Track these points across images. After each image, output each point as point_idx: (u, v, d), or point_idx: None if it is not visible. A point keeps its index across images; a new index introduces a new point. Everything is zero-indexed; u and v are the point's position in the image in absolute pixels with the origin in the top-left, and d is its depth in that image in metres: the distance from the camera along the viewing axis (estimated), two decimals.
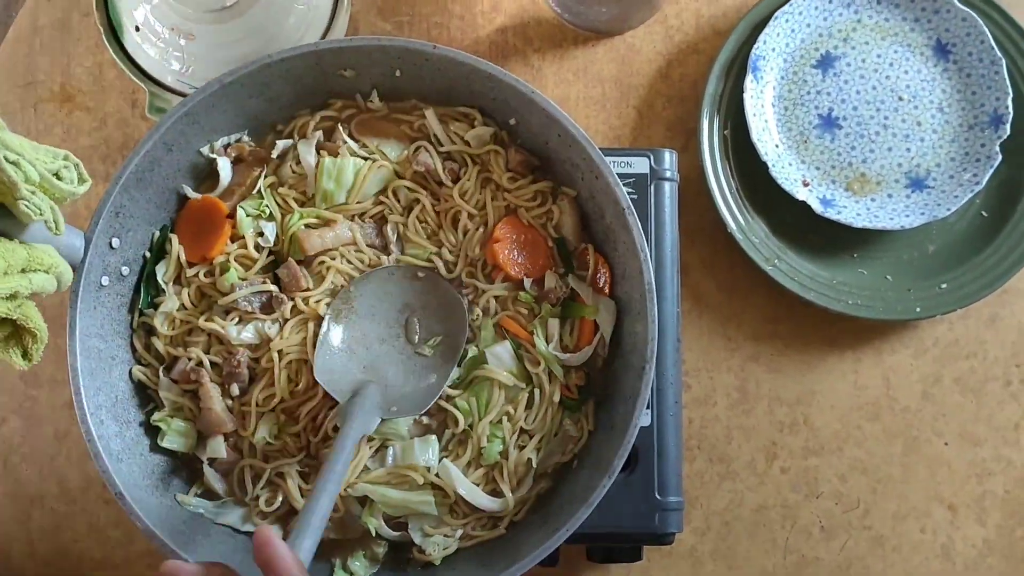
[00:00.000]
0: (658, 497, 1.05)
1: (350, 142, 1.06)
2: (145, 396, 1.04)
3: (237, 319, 1.02)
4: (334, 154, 1.05)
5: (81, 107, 1.24)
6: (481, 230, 1.05)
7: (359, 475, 1.01)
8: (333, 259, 1.04)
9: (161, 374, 1.02)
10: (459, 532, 1.01)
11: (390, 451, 1.02)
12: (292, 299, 1.03)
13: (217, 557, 0.95)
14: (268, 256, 1.04)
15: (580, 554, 1.14)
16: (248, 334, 1.02)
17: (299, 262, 1.04)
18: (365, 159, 1.05)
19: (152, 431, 1.03)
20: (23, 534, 1.19)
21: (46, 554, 1.19)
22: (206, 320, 1.02)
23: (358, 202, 1.05)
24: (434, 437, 1.02)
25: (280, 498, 1.02)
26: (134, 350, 1.03)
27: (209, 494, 1.03)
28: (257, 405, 1.02)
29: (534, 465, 1.01)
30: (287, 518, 1.03)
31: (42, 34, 1.25)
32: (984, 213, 1.19)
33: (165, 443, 1.01)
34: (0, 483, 1.19)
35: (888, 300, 1.17)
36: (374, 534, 1.01)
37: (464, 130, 1.05)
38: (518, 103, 1.00)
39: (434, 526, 1.01)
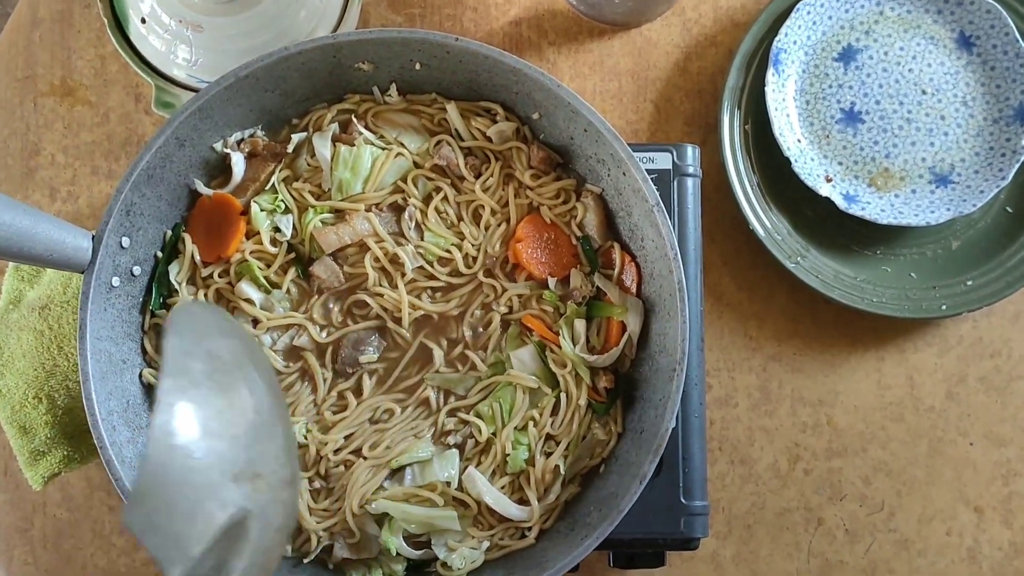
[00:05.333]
0: (683, 501, 1.02)
1: (366, 133, 1.03)
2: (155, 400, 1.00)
3: (266, 327, 1.00)
4: (350, 144, 1.02)
5: (83, 101, 1.20)
6: (503, 227, 1.02)
7: (376, 492, 0.98)
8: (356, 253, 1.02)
9: None
10: (486, 544, 0.98)
11: (408, 473, 0.99)
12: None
13: None
14: (288, 252, 1.01)
15: (600, 560, 1.12)
16: (285, 341, 1.01)
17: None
18: (383, 149, 1.02)
19: None
20: (25, 542, 1.15)
21: (48, 562, 1.15)
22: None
23: (375, 191, 1.02)
24: (454, 451, 0.99)
25: None
26: (144, 352, 1.00)
27: None
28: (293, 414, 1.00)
29: (562, 472, 0.98)
30: (295, 534, 1.00)
31: (41, 26, 1.21)
32: (1009, 209, 1.17)
33: None
34: (1, 490, 1.16)
35: (913, 298, 1.14)
36: (394, 554, 0.98)
37: (486, 126, 1.02)
38: (542, 97, 0.97)
39: (459, 540, 0.98)
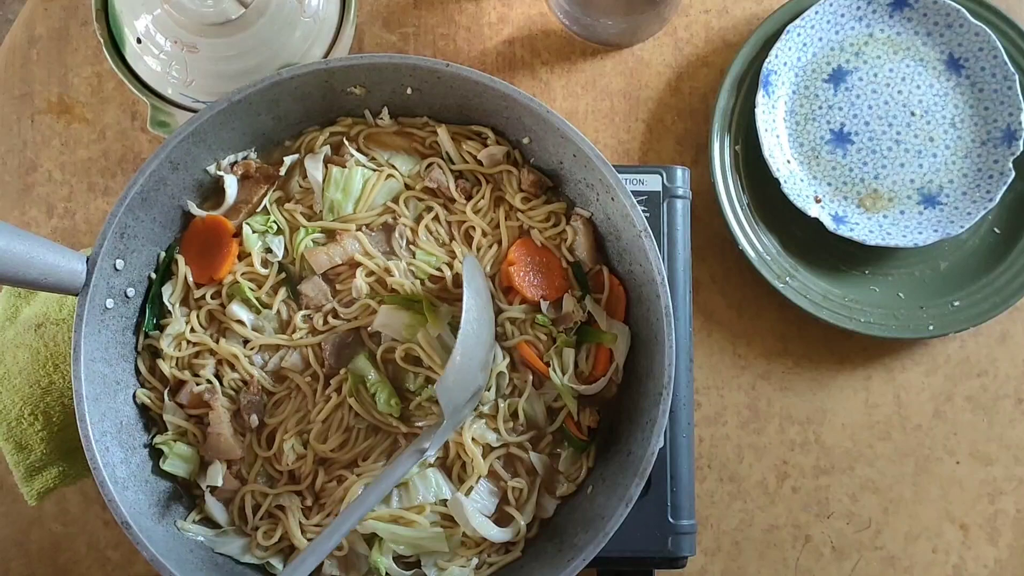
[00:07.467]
0: (671, 520, 1.03)
1: (357, 155, 1.04)
2: (148, 419, 1.01)
3: (256, 347, 1.01)
4: (342, 166, 1.03)
5: (79, 119, 1.21)
6: (495, 248, 1.03)
7: None
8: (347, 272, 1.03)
9: (166, 397, 1.00)
10: (474, 561, 0.99)
11: (394, 494, 1.00)
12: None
13: None
14: (280, 272, 1.02)
15: None
16: (275, 362, 1.01)
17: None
18: (374, 171, 1.03)
19: (154, 454, 1.01)
20: (21, 555, 1.16)
21: None
22: (223, 345, 1.01)
23: (366, 212, 1.03)
24: (431, 470, 1.00)
25: (279, 532, 1.00)
26: (138, 373, 1.01)
27: (208, 521, 1.01)
28: (286, 431, 1.00)
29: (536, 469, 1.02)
30: (287, 552, 1.01)
31: (38, 44, 1.22)
32: (997, 230, 1.18)
33: (167, 466, 0.99)
34: None
35: (900, 318, 1.15)
36: (384, 574, 0.99)
37: (476, 149, 1.03)
38: (532, 122, 0.98)
39: (448, 560, 0.99)
